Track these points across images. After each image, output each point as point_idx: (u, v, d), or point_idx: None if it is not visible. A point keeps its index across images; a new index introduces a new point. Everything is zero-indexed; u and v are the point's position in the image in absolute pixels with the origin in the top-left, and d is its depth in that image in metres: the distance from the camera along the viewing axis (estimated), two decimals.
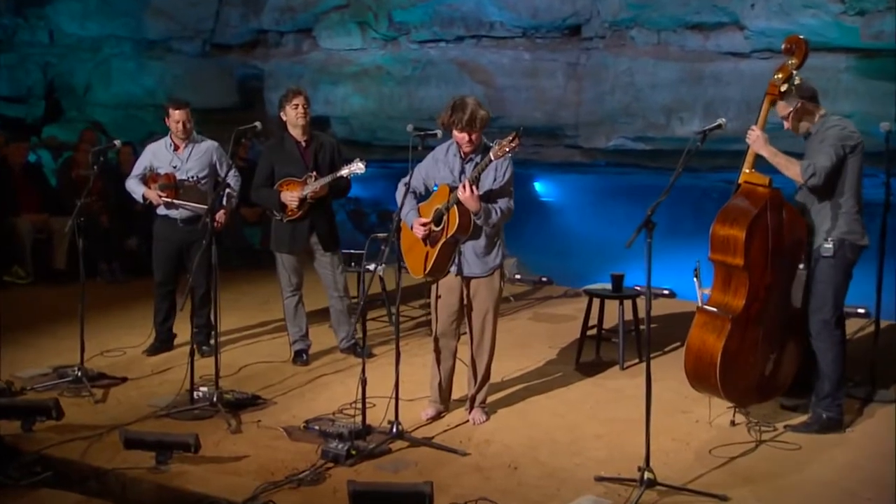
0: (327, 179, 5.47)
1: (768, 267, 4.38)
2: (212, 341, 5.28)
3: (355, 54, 10.17)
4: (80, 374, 5.17)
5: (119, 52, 11.11)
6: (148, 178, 5.87)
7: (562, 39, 9.15)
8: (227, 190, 5.68)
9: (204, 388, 4.94)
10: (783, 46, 4.58)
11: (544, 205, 13.86)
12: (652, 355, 5.71)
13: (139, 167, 5.93)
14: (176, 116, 5.78)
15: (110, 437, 4.38)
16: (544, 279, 8.39)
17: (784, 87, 4.49)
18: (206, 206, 5.79)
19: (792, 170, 4.44)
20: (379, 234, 4.54)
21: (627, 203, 13.05)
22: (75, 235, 5.27)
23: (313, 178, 5.49)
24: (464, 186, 4.36)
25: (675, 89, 8.40)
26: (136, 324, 6.53)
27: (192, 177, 5.81)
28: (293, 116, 5.54)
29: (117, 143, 5.71)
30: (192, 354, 4.91)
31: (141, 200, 5.88)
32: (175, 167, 5.82)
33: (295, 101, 5.52)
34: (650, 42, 8.53)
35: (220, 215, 5.56)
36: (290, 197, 5.50)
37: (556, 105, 9.25)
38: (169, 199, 5.74)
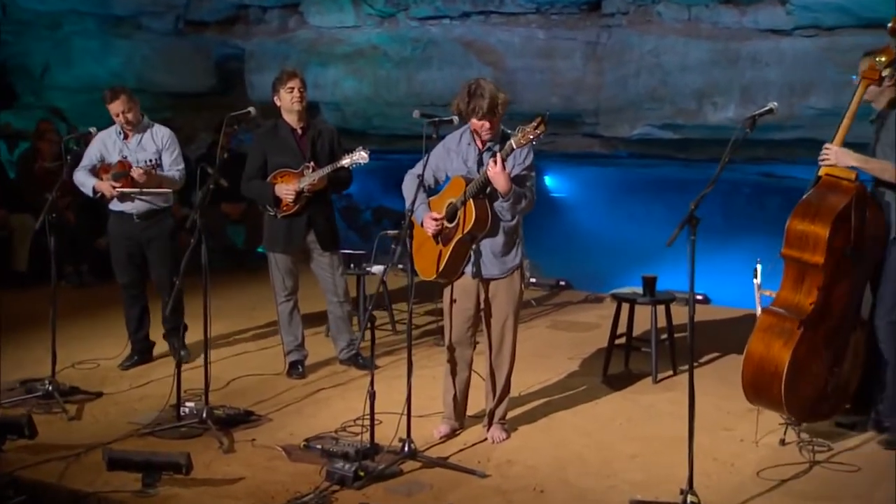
0: (327, 170, 5.52)
1: (847, 267, 4.45)
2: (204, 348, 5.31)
3: (348, 32, 10.18)
4: (51, 388, 5.21)
5: (81, 29, 11.08)
6: (99, 170, 5.93)
7: (580, 16, 9.18)
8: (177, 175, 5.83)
9: (191, 404, 4.99)
10: (890, 25, 4.51)
11: (556, 201, 13.93)
12: (686, 367, 5.85)
13: (88, 157, 5.99)
14: (113, 108, 5.85)
15: (90, 458, 4.42)
16: (562, 283, 8.47)
17: (887, 72, 4.53)
18: (167, 190, 5.88)
19: (889, 171, 4.52)
20: (390, 232, 4.58)
21: (651, 199, 13.14)
22: (46, 234, 5.30)
23: (311, 169, 5.54)
24: (494, 161, 4.38)
25: (707, 71, 8.44)
26: (108, 332, 6.58)
27: (147, 162, 5.85)
28: (288, 101, 5.59)
29: (93, 130, 5.75)
30: (178, 366, 4.95)
31: (91, 194, 5.94)
32: (124, 157, 5.88)
33: (290, 84, 5.57)
34: (679, 18, 8.57)
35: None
36: (286, 190, 5.55)
37: (574, 89, 9.29)
38: (124, 189, 5.77)
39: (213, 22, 10.95)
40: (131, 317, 6.06)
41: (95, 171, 5.93)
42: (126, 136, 5.93)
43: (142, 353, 6.11)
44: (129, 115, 5.83)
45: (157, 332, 6.21)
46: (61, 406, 5.10)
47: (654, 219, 12.44)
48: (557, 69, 9.29)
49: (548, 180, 13.85)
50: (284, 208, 5.62)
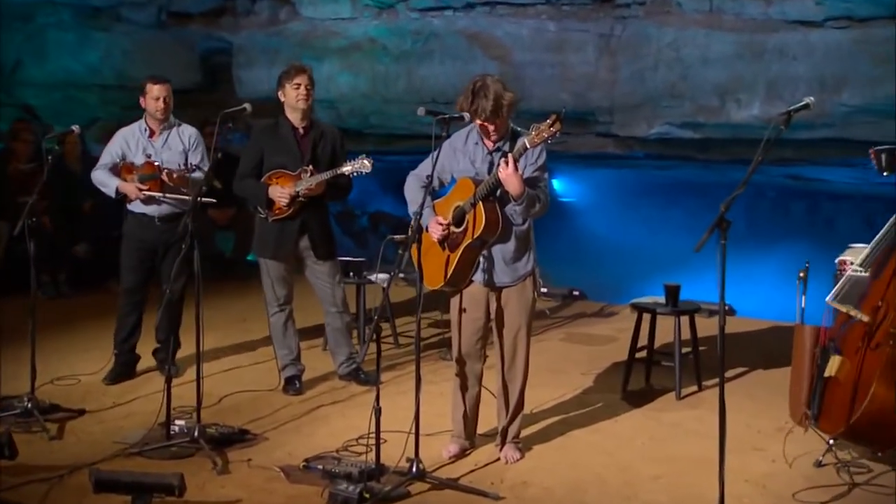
0: (326, 176, 5.56)
1: None
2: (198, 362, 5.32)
3: (343, 25, 10.24)
4: (30, 405, 5.21)
5: (56, 20, 11.11)
6: (121, 169, 5.96)
7: (593, 6, 9.24)
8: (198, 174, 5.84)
9: (181, 422, 4.99)
10: None
11: (565, 206, 13.98)
12: (713, 382, 5.89)
13: (108, 155, 6.02)
14: (156, 92, 5.88)
15: (74, 479, 4.42)
16: (575, 293, 8.50)
17: None
18: (194, 194, 5.91)
19: None
20: (396, 237, 4.60)
21: (668, 204, 13.21)
22: (22, 240, 5.31)
23: (308, 173, 5.57)
24: (506, 161, 4.38)
25: (730, 65, 8.50)
26: (89, 346, 6.60)
27: (179, 165, 5.89)
28: (293, 97, 5.63)
29: (75, 128, 5.76)
30: (168, 381, 4.96)
31: (113, 195, 5.96)
32: (148, 156, 5.91)
33: (297, 80, 5.61)
34: (700, 9, 8.63)
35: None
36: (280, 193, 5.58)
37: (586, 85, 9.35)
38: (151, 192, 5.81)
39: (198, 13, 11.00)
40: (125, 324, 6.08)
41: (117, 171, 5.96)
42: (152, 134, 5.96)
43: (125, 365, 6.13)
44: (170, 103, 5.90)
45: (143, 347, 6.22)
46: (42, 425, 5.09)
47: (672, 225, 12.52)
48: (569, 63, 9.35)
49: (556, 184, 13.88)
50: (276, 211, 5.65)
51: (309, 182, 5.57)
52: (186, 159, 5.95)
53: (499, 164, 4.44)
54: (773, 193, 13.14)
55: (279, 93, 5.70)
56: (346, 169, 5.54)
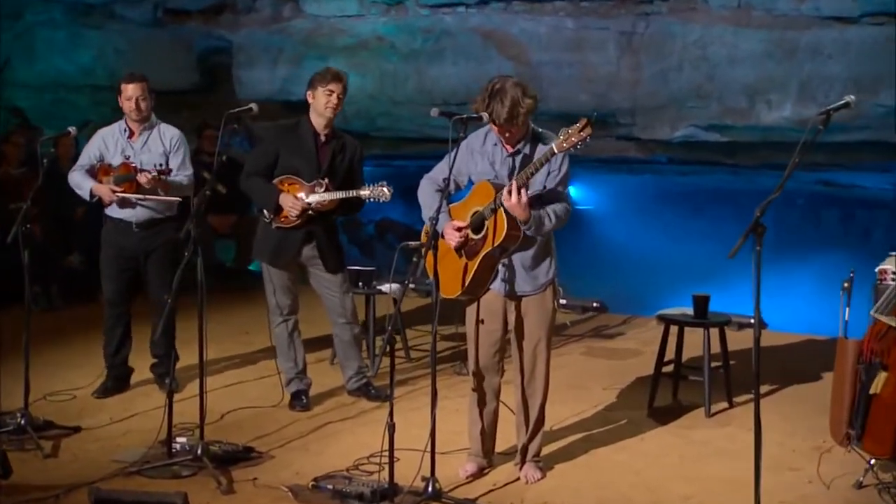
0: (340, 195, 5.60)
1: None
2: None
3: (350, 22, 10.29)
4: (23, 421, 5.23)
5: (46, 18, 11.20)
6: (98, 170, 5.98)
7: (614, 3, 9.27)
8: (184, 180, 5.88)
9: (183, 439, 5.02)
10: None
11: (582, 214, 13.98)
12: (744, 399, 5.91)
13: (86, 156, 6.05)
14: (129, 91, 5.89)
15: (71, 499, 4.44)
16: (595, 304, 8.52)
17: None
18: (176, 199, 5.95)
19: None
20: (410, 243, 4.61)
21: (691, 212, 13.20)
22: (14, 248, 5.34)
23: (323, 187, 5.61)
24: (509, 191, 4.40)
25: (760, 64, 8.52)
26: (83, 360, 6.63)
27: (156, 166, 5.89)
28: (322, 103, 5.65)
29: (72, 130, 5.79)
30: (170, 396, 4.98)
31: (88, 197, 5.98)
32: (126, 157, 5.93)
33: (331, 87, 5.62)
34: (728, 5, 8.65)
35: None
36: (293, 203, 5.60)
37: (607, 85, 9.38)
38: (126, 194, 5.83)
39: (197, 11, 11.06)
40: (112, 337, 6.12)
41: (94, 172, 5.98)
42: (132, 135, 5.99)
43: (118, 379, 6.16)
44: (143, 104, 5.90)
45: (137, 360, 6.25)
46: (35, 442, 5.11)
47: (696, 234, 12.51)
48: (588, 63, 9.37)
49: (573, 191, 13.86)
50: (283, 220, 5.68)
51: (322, 197, 5.61)
52: (167, 161, 5.96)
53: (501, 195, 4.43)
54: (803, 201, 13.11)
55: (308, 93, 5.71)
56: (364, 193, 5.57)
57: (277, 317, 5.85)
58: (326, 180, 5.63)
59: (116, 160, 5.95)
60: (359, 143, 6.01)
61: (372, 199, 5.59)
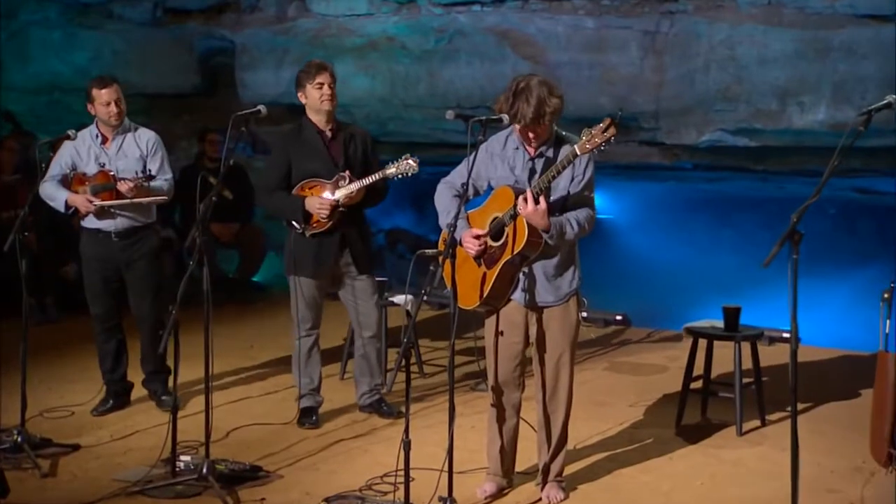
0: (371, 180, 5.63)
1: None
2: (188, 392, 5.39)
3: (359, 22, 10.30)
4: (20, 439, 5.27)
5: (41, 18, 11.24)
6: (72, 180, 6.01)
7: (636, 1, 9.26)
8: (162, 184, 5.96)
9: (187, 458, 5.05)
10: None
11: (603, 223, 13.99)
12: (777, 417, 5.92)
13: (57, 166, 6.04)
14: (104, 96, 5.92)
15: None
16: (618, 318, 8.53)
17: None
18: (155, 198, 5.96)
19: None
20: (428, 251, 4.63)
21: (718, 221, 13.19)
22: (11, 256, 5.37)
23: (347, 180, 5.63)
24: (525, 199, 4.41)
25: (792, 65, 8.50)
26: (80, 375, 6.69)
27: (136, 173, 5.93)
28: (316, 99, 5.70)
29: (71, 133, 5.82)
30: (174, 412, 5.00)
31: (63, 209, 6.01)
32: (101, 164, 5.96)
33: (319, 80, 5.69)
34: (757, 2, 8.64)
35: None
36: (320, 204, 5.63)
37: (629, 87, 9.36)
38: (104, 203, 5.85)
39: (198, 10, 11.06)
40: (106, 353, 6.16)
41: (68, 182, 6.01)
42: (105, 141, 6.02)
43: (118, 395, 6.21)
44: (122, 107, 5.96)
45: (137, 374, 6.29)
46: (33, 461, 5.15)
47: (723, 245, 12.50)
48: (609, 64, 9.35)
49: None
50: (315, 225, 5.70)
51: (349, 189, 5.63)
52: (145, 166, 5.99)
53: (518, 203, 4.44)
54: (835, 210, 13.08)
55: (299, 94, 5.78)
56: (391, 171, 5.60)
57: (302, 330, 5.89)
58: (347, 172, 5.66)
59: (91, 168, 5.98)
60: (366, 131, 6.09)
61: (400, 176, 5.61)
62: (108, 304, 6.13)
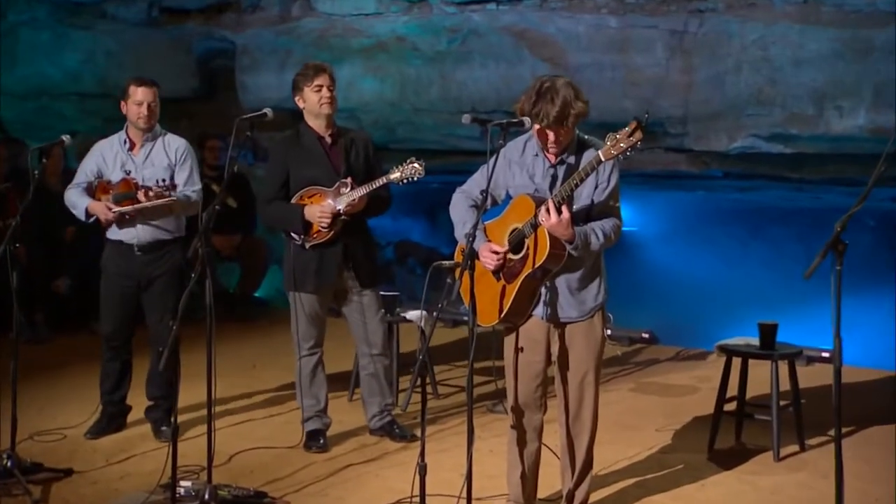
0: (372, 187, 5.63)
1: None
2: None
3: (367, 22, 10.33)
4: (9, 464, 5.26)
5: (29, 18, 11.28)
6: (96, 188, 6.03)
7: None
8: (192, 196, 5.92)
9: (187, 483, 5.04)
10: None
11: (629, 236, 13.98)
12: (817, 441, 5.90)
13: (82, 173, 6.09)
14: (139, 95, 5.93)
15: None
16: (645, 335, 8.53)
17: None
18: (169, 200, 5.88)
19: None
20: (444, 263, 4.62)
21: (749, 234, 13.18)
22: (7, 268, 5.39)
23: (348, 187, 5.64)
24: (548, 209, 4.39)
25: (829, 66, 8.49)
26: (72, 396, 6.71)
27: (159, 182, 5.89)
28: (315, 103, 5.73)
29: (65, 138, 5.81)
30: (174, 435, 5.00)
31: (84, 218, 6.02)
32: (127, 172, 5.97)
33: (317, 82, 5.72)
34: (793, 0, 8.66)
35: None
36: (321, 212, 5.64)
37: (655, 91, 9.37)
38: (123, 209, 5.84)
39: (196, 9, 11.11)
40: (109, 373, 6.16)
41: (92, 190, 6.03)
42: (133, 147, 6.04)
43: (113, 417, 6.21)
44: (155, 111, 5.97)
45: (137, 397, 6.29)
46: (24, 486, 5.15)
47: (755, 258, 12.50)
48: (634, 65, 9.36)
49: None
50: (315, 235, 5.72)
51: (351, 196, 5.64)
52: (172, 176, 5.98)
53: (540, 214, 4.42)
54: (874, 222, 13.06)
55: (296, 99, 5.81)
56: (396, 176, 5.61)
57: (305, 349, 5.90)
58: (350, 179, 5.67)
59: (116, 176, 5.98)
60: (367, 135, 6.10)
61: (405, 181, 5.61)
62: (119, 323, 6.12)
